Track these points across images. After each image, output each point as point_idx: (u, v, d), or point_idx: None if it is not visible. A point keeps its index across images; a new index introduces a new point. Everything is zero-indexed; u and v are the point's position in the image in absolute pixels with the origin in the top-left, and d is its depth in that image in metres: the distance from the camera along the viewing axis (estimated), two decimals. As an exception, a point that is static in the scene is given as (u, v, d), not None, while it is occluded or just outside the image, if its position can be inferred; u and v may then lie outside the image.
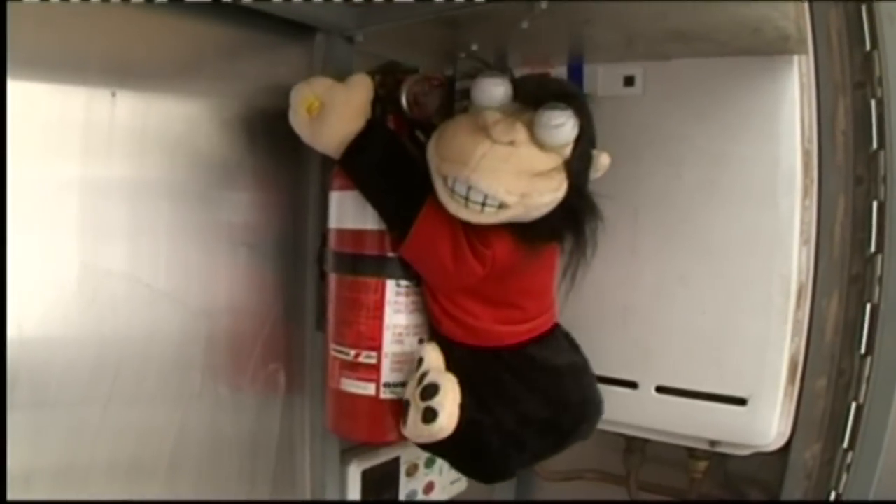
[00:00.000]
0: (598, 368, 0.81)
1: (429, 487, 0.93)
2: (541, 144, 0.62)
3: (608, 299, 0.83)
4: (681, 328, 0.79)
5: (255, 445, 0.77)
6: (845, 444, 0.77)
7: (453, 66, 0.85)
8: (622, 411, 0.82)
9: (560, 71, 0.84)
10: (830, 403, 0.78)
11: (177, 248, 0.69)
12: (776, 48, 0.73)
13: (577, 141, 0.63)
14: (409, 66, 0.77)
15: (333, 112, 0.68)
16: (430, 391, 0.67)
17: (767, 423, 0.76)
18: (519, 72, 0.81)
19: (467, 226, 0.65)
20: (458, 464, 0.74)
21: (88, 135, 0.62)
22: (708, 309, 0.78)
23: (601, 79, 0.82)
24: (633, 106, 0.81)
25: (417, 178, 0.66)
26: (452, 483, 0.96)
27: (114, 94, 0.63)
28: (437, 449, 0.71)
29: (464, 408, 0.68)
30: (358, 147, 0.68)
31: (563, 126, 0.61)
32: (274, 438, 0.79)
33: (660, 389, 0.81)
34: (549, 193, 0.63)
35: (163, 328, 0.69)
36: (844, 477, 0.77)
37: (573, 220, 0.65)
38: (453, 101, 0.78)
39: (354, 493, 0.83)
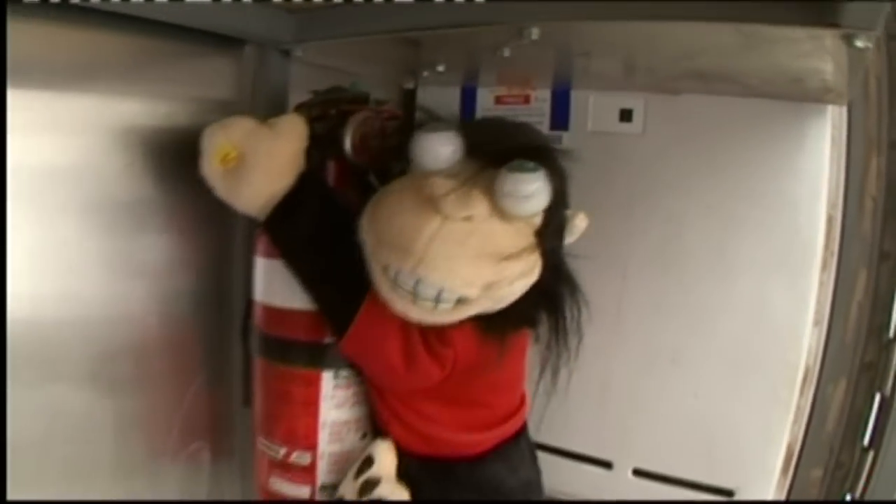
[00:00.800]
0: (569, 443, 0.71)
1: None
2: (506, 216, 0.48)
3: (585, 369, 0.69)
4: (667, 410, 0.68)
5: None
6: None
7: (415, 81, 0.69)
8: (593, 491, 0.71)
9: (542, 95, 0.69)
10: (823, 495, 0.69)
11: (77, 305, 0.54)
12: (811, 97, 0.59)
13: (550, 206, 0.49)
14: (357, 92, 0.61)
15: (255, 166, 0.52)
16: None
17: (755, 518, 0.68)
18: (491, 93, 0.67)
19: None
20: None
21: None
22: (701, 393, 0.66)
23: (592, 109, 0.68)
24: (628, 146, 0.67)
25: (361, 256, 0.51)
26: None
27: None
28: None
29: None
30: (285, 212, 0.53)
31: (533, 194, 0.47)
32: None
33: (637, 473, 0.70)
34: (520, 280, 0.49)
35: (64, 402, 0.54)
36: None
37: (550, 304, 0.53)
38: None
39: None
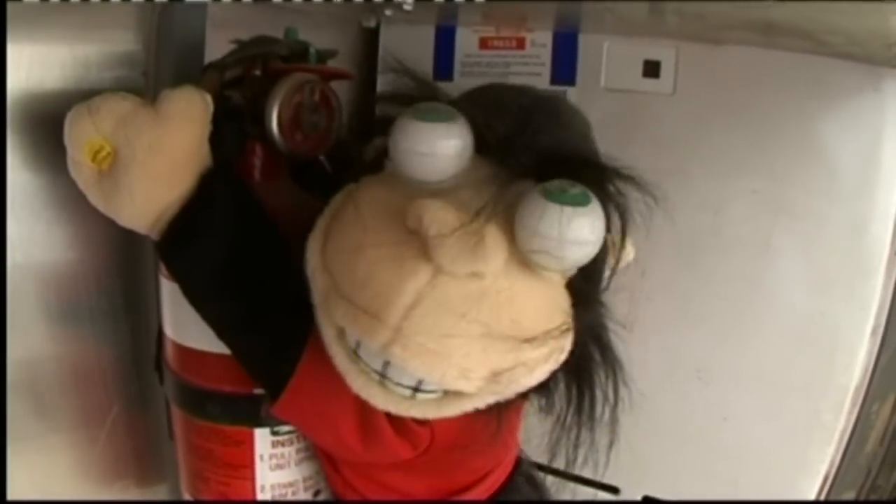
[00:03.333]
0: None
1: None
2: (533, 269, 0.30)
3: None
4: (688, 434, 0.52)
5: None
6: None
7: (376, 19, 0.49)
8: (597, 518, 0.59)
9: (541, 38, 0.49)
10: (854, 519, 0.57)
11: None
12: (893, 62, 0.41)
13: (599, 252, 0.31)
14: (292, 43, 0.41)
15: (133, 167, 0.34)
16: None
17: (781, 553, 0.55)
18: (475, 34, 0.48)
19: None
20: None
21: None
22: (731, 415, 0.51)
23: (607, 60, 0.48)
24: (654, 109, 0.48)
25: (297, 290, 0.33)
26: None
27: None
28: None
29: None
30: (182, 232, 0.35)
31: (581, 242, 0.29)
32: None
33: (647, 501, 0.55)
34: (542, 366, 0.31)
35: None
36: None
37: (576, 377, 0.35)
38: (372, 117, 0.39)
39: None
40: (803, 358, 0.48)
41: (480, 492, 0.43)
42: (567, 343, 0.32)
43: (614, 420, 0.37)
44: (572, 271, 0.32)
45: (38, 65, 0.39)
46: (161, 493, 0.52)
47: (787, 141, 0.46)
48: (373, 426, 0.35)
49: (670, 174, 0.48)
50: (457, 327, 0.29)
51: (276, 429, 0.41)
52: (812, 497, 0.52)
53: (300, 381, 0.35)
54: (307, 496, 0.43)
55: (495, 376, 0.31)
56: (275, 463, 0.42)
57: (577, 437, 0.37)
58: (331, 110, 0.40)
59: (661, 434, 0.53)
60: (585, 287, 0.32)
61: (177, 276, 0.36)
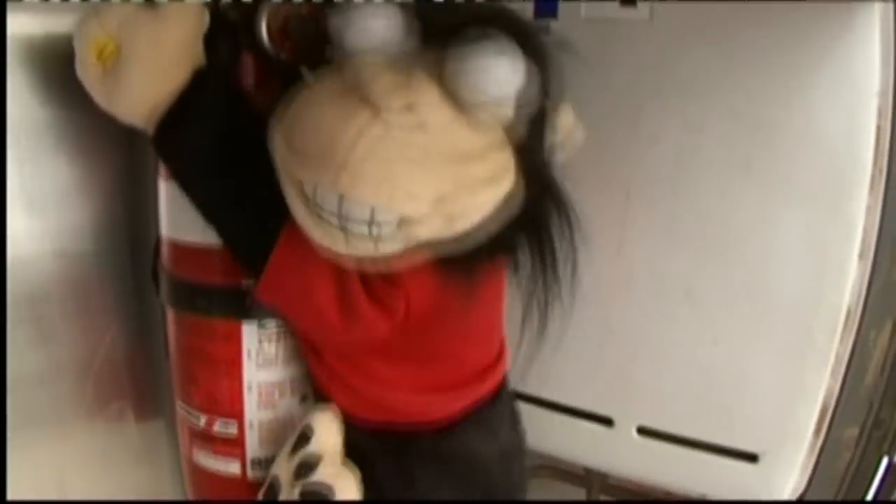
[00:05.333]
0: (565, 395, 0.57)
1: None
2: (462, 106, 0.33)
3: (582, 310, 0.52)
4: (680, 358, 0.52)
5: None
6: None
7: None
8: (591, 451, 0.57)
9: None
10: (858, 457, 0.54)
11: None
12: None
13: (524, 95, 0.33)
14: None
15: (134, 61, 0.37)
16: (323, 498, 0.40)
17: (781, 484, 0.51)
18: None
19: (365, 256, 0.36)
20: None
21: None
22: (721, 337, 0.50)
23: (587, -9, 0.50)
24: (632, 37, 0.49)
25: (276, 174, 0.36)
26: None
27: None
28: None
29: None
30: (176, 120, 0.38)
31: (496, 73, 0.31)
32: (131, 489, 0.53)
33: (642, 431, 0.54)
34: (486, 188, 0.34)
35: None
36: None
37: (532, 224, 0.37)
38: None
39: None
40: (791, 277, 0.48)
41: (464, 395, 0.44)
42: (506, 169, 0.35)
43: (575, 261, 0.39)
44: (503, 111, 0.34)
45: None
46: (156, 416, 0.54)
47: (764, 60, 0.46)
48: (350, 296, 0.37)
49: (650, 98, 0.50)
50: (398, 152, 0.32)
51: (262, 322, 0.42)
52: (813, 425, 0.51)
53: (280, 254, 0.37)
54: (294, 400, 0.45)
55: (441, 200, 0.33)
56: (262, 360, 0.43)
57: (546, 292, 0.40)
58: (318, 21, 0.43)
59: (652, 360, 0.53)
60: (519, 124, 0.35)
61: (169, 161, 0.39)
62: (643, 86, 0.49)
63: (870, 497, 0.55)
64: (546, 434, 0.57)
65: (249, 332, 0.42)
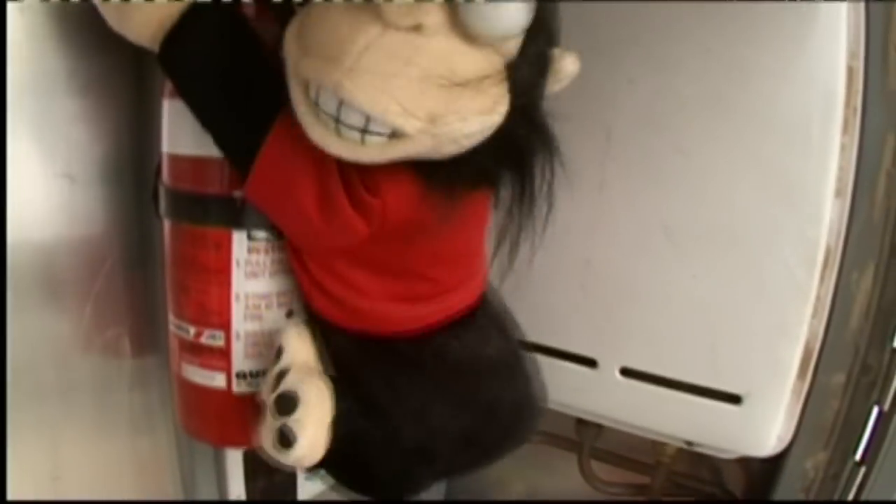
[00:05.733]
0: (549, 338, 0.57)
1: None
2: (468, 35, 0.34)
3: (564, 250, 0.56)
4: (660, 295, 0.53)
5: (97, 431, 0.54)
6: (858, 457, 0.54)
7: None
8: (575, 394, 0.58)
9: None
10: (846, 406, 0.54)
11: None
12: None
13: (530, 32, 0.35)
14: None
15: None
16: (287, 404, 0.41)
17: (766, 429, 0.52)
18: None
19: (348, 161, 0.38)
20: (344, 483, 0.49)
21: None
22: (700, 273, 0.52)
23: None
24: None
25: (268, 82, 0.39)
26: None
27: None
28: (317, 470, 0.47)
29: (341, 418, 0.43)
30: (179, 35, 0.40)
31: (507, 5, 0.33)
32: (122, 420, 0.55)
33: (625, 372, 0.56)
34: (476, 118, 0.35)
35: None
36: (851, 497, 0.54)
37: (515, 158, 0.39)
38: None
39: (236, 479, 0.61)
40: (767, 211, 0.49)
41: (440, 311, 0.45)
42: (500, 102, 0.36)
43: (551, 199, 0.40)
44: (508, 46, 0.35)
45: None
46: (151, 349, 0.55)
47: (739, 4, 0.49)
48: (330, 196, 0.39)
49: (628, 43, 0.52)
50: (399, 69, 0.34)
51: (252, 233, 0.44)
52: (796, 366, 0.51)
53: (268, 152, 0.39)
54: (280, 313, 0.47)
55: (432, 119, 0.34)
56: (250, 270, 0.45)
57: (518, 228, 0.41)
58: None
59: (633, 299, 0.54)
60: (521, 61, 0.36)
61: (172, 75, 0.42)
62: (621, 31, 0.52)
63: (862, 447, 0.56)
64: (532, 378, 0.59)
65: (239, 242, 0.44)
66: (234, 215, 0.44)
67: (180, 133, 0.45)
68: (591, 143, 0.53)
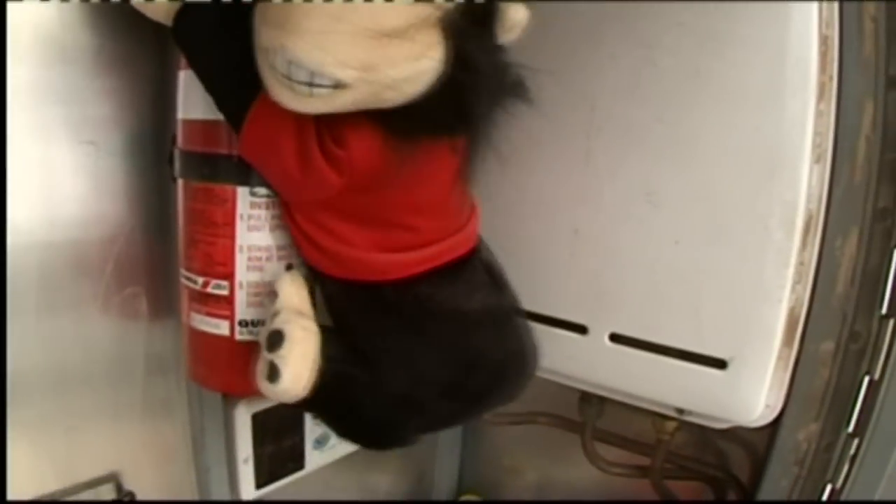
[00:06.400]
0: (540, 305, 0.61)
1: (347, 432, 0.74)
2: None
3: (553, 219, 0.60)
4: (645, 261, 0.56)
5: (113, 388, 0.59)
6: (850, 429, 0.55)
7: None
8: (566, 361, 0.61)
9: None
10: (836, 375, 0.55)
11: None
12: None
13: None
14: None
15: None
16: (275, 340, 0.46)
17: (753, 395, 0.54)
18: None
19: (320, 118, 0.43)
20: (333, 427, 0.54)
21: None
22: (683, 238, 0.55)
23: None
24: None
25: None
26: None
27: None
28: (305, 408, 0.52)
29: (329, 359, 0.47)
30: (188, 12, 0.46)
31: None
32: (137, 379, 0.60)
33: (614, 338, 0.59)
34: (405, 63, 0.40)
35: None
36: (845, 469, 0.55)
37: (456, 103, 0.42)
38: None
39: (244, 440, 0.65)
40: (745, 176, 0.52)
41: (422, 261, 0.49)
42: (431, 50, 0.40)
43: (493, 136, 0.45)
44: (441, 7, 0.39)
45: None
46: (168, 311, 0.60)
47: None
48: (306, 151, 0.44)
49: (609, 19, 0.56)
50: (333, 26, 0.38)
51: (254, 190, 0.50)
52: (780, 330, 0.53)
53: (254, 115, 0.45)
54: (279, 266, 0.51)
55: (366, 68, 0.39)
56: (252, 224, 0.50)
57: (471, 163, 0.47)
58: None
59: (619, 265, 0.58)
60: (453, 12, 0.40)
61: (183, 46, 0.47)
62: (604, 10, 0.56)
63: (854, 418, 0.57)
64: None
65: (243, 197, 0.49)
66: (239, 173, 0.49)
67: (192, 100, 0.50)
68: (577, 116, 0.56)
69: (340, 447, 0.75)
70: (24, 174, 0.50)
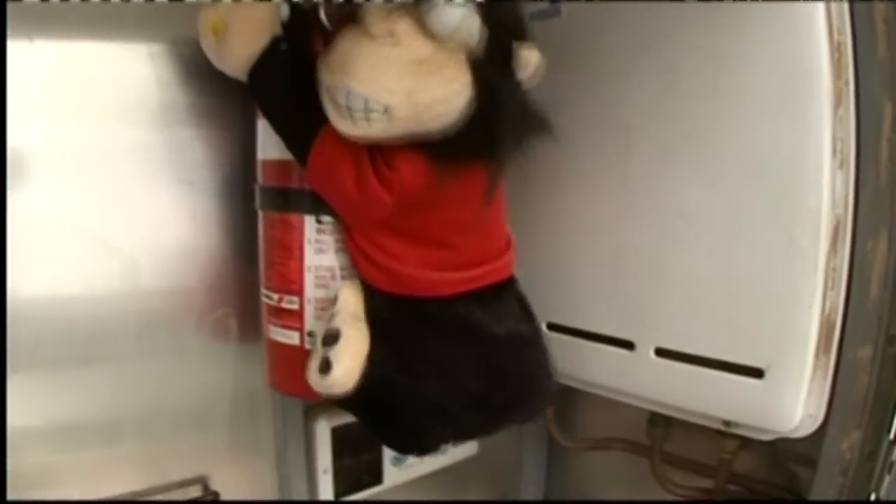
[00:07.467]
0: (589, 323, 0.67)
1: (423, 450, 0.81)
2: (431, 35, 0.49)
3: (598, 240, 0.66)
4: (682, 274, 0.61)
5: (204, 399, 0.70)
6: (892, 436, 0.57)
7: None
8: (615, 376, 0.66)
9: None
10: (875, 380, 0.57)
11: (108, 187, 0.62)
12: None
13: (488, 30, 0.49)
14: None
15: (235, 32, 0.57)
16: (331, 338, 0.55)
17: (791, 403, 0.57)
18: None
19: (373, 148, 0.53)
20: (369, 426, 0.62)
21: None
22: (714, 249, 0.59)
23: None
24: (619, 4, 0.63)
25: (317, 100, 0.54)
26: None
27: (31, 41, 0.57)
28: (346, 405, 0.60)
29: (373, 363, 0.56)
30: (259, 67, 0.57)
31: (449, 12, 0.47)
32: (227, 389, 0.71)
33: (660, 352, 0.63)
34: (438, 87, 0.50)
35: (93, 273, 0.62)
36: (887, 478, 0.56)
37: (483, 130, 0.51)
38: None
39: (324, 453, 0.74)
40: (768, 185, 0.57)
41: (465, 281, 0.57)
42: (460, 80, 0.50)
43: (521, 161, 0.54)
44: (468, 41, 0.49)
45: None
46: (255, 333, 0.69)
47: (724, 4, 0.58)
48: (362, 173, 0.53)
49: (636, 48, 0.63)
50: (381, 63, 0.49)
51: (319, 218, 0.60)
52: (814, 337, 0.56)
53: (318, 147, 0.55)
54: (342, 284, 0.60)
55: (408, 93, 0.49)
56: (318, 247, 0.60)
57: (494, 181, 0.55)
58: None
59: (658, 280, 0.64)
60: (478, 52, 0.50)
61: (255, 95, 0.59)
62: (633, 39, 0.63)
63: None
64: (573, 360, 0.68)
65: (310, 224, 0.59)
66: (306, 204, 0.60)
67: (268, 143, 0.62)
68: (614, 142, 0.63)
69: (419, 466, 0.83)
70: (133, 209, 0.63)
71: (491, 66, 0.51)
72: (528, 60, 0.52)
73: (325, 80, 0.52)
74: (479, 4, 0.49)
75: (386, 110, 0.50)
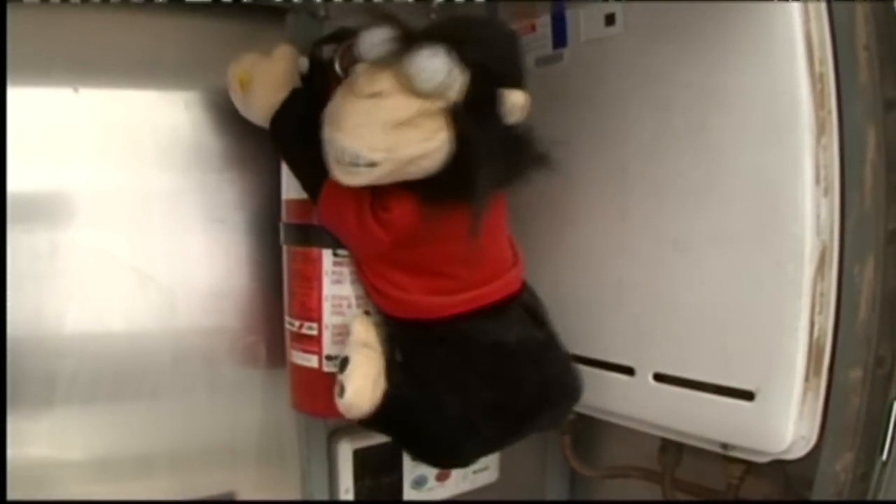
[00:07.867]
0: (593, 351, 0.71)
1: (443, 474, 0.86)
2: (414, 91, 0.54)
3: (600, 272, 0.71)
4: (678, 303, 0.65)
5: (234, 424, 0.77)
6: (884, 456, 0.58)
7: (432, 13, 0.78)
8: (617, 401, 0.70)
9: (543, 21, 0.75)
10: (866, 401, 0.59)
11: (146, 226, 0.70)
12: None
13: (472, 78, 0.55)
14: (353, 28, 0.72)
15: (258, 84, 0.65)
16: (343, 364, 0.61)
17: (781, 425, 0.60)
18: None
19: (374, 190, 0.59)
20: (398, 444, 0.68)
21: (52, 128, 0.65)
22: (706, 278, 0.63)
23: (583, 21, 0.71)
24: (615, 47, 0.69)
25: None
26: (476, 472, 0.88)
27: (76, 91, 0.66)
28: (373, 426, 0.65)
29: (393, 384, 0.62)
30: (278, 117, 0.65)
31: (430, 69, 0.53)
32: (256, 414, 0.77)
33: (658, 377, 0.67)
34: (417, 144, 0.55)
35: (128, 304, 0.70)
36: (881, 496, 0.58)
37: (463, 175, 0.56)
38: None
39: (346, 474, 0.79)
40: (755, 214, 0.60)
41: (468, 302, 0.62)
42: (437, 134, 0.55)
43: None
44: (449, 93, 0.54)
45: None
46: (283, 361, 0.75)
47: (708, 41, 0.62)
48: (362, 214, 0.60)
49: (630, 87, 0.68)
50: (366, 121, 0.56)
51: (335, 251, 0.66)
52: (802, 360, 0.58)
53: (326, 191, 0.62)
54: (358, 312, 0.67)
55: (389, 150, 0.55)
56: (335, 278, 0.67)
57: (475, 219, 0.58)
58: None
59: (654, 308, 0.67)
60: (460, 104, 0.55)
61: (275, 142, 0.66)
62: (627, 81, 0.68)
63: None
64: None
65: (327, 257, 0.66)
66: (324, 239, 0.66)
67: (290, 184, 0.69)
68: (613, 177, 0.68)
69: (439, 490, 0.87)
70: (169, 246, 0.71)
71: (472, 116, 0.56)
72: (514, 104, 0.57)
73: (325, 132, 0.59)
74: (465, 50, 0.54)
75: (371, 164, 0.56)
